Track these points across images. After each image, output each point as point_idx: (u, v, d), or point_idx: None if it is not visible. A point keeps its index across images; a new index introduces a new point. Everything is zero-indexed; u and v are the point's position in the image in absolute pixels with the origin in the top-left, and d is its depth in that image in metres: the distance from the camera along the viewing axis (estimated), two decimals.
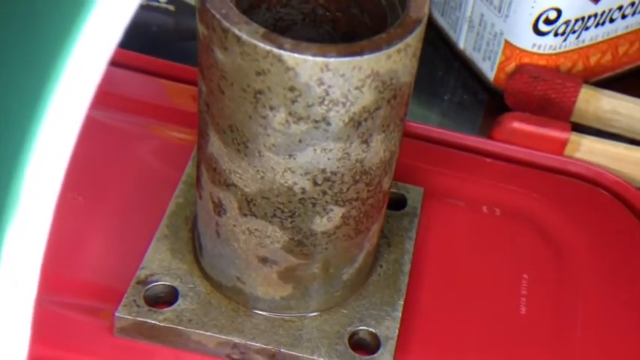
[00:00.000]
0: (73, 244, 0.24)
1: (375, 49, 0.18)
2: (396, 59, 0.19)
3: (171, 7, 0.30)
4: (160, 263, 0.23)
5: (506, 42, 0.33)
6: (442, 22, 0.36)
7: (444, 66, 0.37)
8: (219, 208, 0.22)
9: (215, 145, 0.21)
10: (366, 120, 0.19)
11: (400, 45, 0.19)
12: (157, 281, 0.23)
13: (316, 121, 0.19)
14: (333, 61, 0.18)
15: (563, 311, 0.26)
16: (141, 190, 0.26)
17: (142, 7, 0.30)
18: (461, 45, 0.36)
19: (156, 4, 0.30)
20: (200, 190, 0.22)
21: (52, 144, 0.11)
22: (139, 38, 0.31)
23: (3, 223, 0.11)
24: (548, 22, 0.32)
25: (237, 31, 0.18)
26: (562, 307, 0.26)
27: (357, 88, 0.19)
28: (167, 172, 0.27)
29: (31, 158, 0.11)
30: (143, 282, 0.23)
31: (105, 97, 0.28)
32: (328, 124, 0.19)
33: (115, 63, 0.29)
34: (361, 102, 0.19)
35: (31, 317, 0.12)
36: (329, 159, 0.20)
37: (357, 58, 0.18)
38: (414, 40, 0.19)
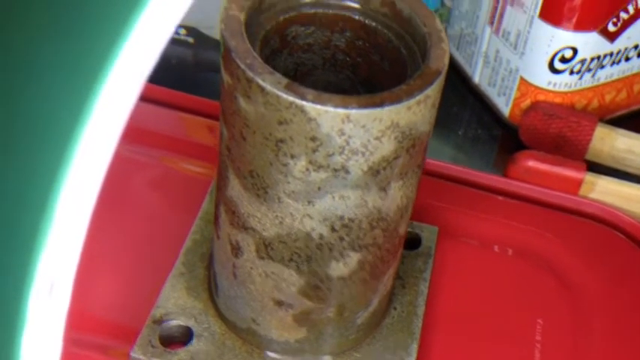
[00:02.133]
0: (89, 280, 0.24)
1: (396, 100, 0.18)
2: (415, 110, 0.19)
3: (190, 40, 0.31)
4: (176, 302, 0.24)
5: (522, 79, 0.33)
6: (457, 55, 0.37)
7: (458, 100, 0.37)
8: (236, 250, 0.22)
9: (235, 188, 0.21)
10: (384, 169, 0.20)
11: (420, 97, 0.19)
12: (171, 320, 0.23)
13: (336, 170, 0.19)
14: (354, 112, 0.18)
15: (578, 358, 0.25)
16: (158, 224, 0.26)
17: None
18: (476, 79, 0.36)
19: (175, 36, 0.31)
20: (218, 231, 0.22)
21: (88, 160, 0.11)
22: (158, 70, 0.31)
23: (42, 232, 0.11)
24: (564, 60, 0.32)
25: (261, 82, 0.18)
26: (577, 353, 0.26)
27: (376, 138, 0.19)
28: (184, 207, 0.27)
29: (70, 169, 0.11)
30: (158, 321, 0.23)
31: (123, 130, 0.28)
32: (347, 172, 0.19)
33: None
34: (380, 152, 0.19)
35: (65, 320, 0.12)
36: (347, 206, 0.20)
37: (378, 110, 0.18)
38: (433, 91, 0.19)
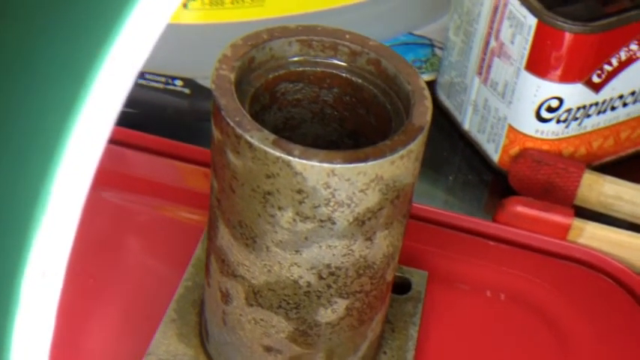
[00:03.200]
0: (82, 327, 0.25)
1: (380, 155, 0.19)
2: (399, 164, 0.20)
3: (187, 91, 0.32)
4: (167, 348, 0.24)
5: (510, 127, 0.34)
6: (447, 103, 0.38)
7: (449, 146, 0.38)
8: (226, 298, 0.22)
9: (224, 238, 0.21)
10: (369, 219, 0.20)
11: (403, 152, 0.19)
12: None
13: (322, 221, 0.20)
14: (339, 167, 0.19)
15: None
16: (151, 271, 0.27)
17: (159, 91, 0.32)
18: (466, 126, 0.37)
19: (172, 87, 0.32)
20: (208, 279, 0.23)
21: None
22: (156, 119, 0.32)
23: (36, 217, 0.11)
24: (550, 110, 0.33)
25: (249, 138, 0.19)
26: None
27: (361, 190, 0.19)
28: (177, 254, 0.27)
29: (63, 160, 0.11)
30: None
31: (117, 179, 0.29)
32: (333, 223, 0.20)
33: (124, 144, 0.30)
34: (365, 203, 0.20)
35: (56, 307, 0.12)
36: (334, 255, 0.21)
37: (362, 165, 0.19)
38: (416, 146, 0.20)
